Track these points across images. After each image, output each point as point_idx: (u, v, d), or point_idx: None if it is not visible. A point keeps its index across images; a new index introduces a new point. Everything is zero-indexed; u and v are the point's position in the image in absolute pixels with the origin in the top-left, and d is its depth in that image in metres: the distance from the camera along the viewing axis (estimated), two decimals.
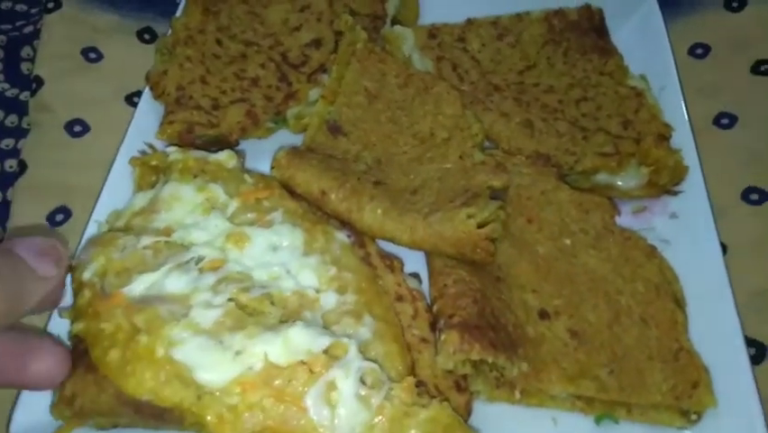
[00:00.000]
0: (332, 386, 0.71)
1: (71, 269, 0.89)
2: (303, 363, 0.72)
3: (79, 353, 0.84)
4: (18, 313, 0.77)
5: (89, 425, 0.88)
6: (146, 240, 0.88)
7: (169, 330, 0.76)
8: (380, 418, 0.71)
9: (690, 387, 0.91)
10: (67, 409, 0.83)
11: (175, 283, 0.83)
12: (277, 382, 0.71)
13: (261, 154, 1.14)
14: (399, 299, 0.96)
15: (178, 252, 0.87)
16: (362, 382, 0.72)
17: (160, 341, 0.76)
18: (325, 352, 0.74)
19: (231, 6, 1.30)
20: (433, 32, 1.31)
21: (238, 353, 0.73)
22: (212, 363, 0.73)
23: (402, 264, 1.01)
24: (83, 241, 0.99)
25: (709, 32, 1.37)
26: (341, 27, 1.27)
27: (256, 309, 0.80)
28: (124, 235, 0.90)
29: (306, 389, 0.70)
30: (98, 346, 0.79)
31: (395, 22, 1.35)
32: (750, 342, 0.98)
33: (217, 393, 0.71)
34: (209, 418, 0.71)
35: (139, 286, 0.82)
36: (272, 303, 0.82)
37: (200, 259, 0.87)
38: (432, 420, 0.71)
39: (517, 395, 0.91)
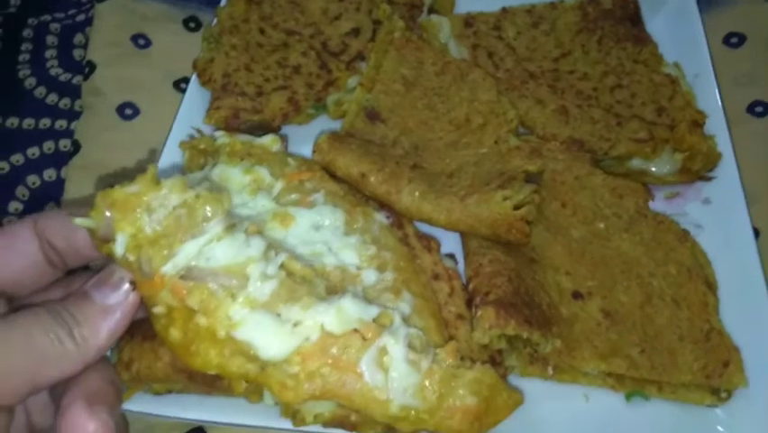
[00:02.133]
0: (383, 351, 0.74)
1: (89, 230, 0.77)
2: (356, 331, 0.75)
3: (137, 320, 0.85)
4: (98, 349, 0.72)
5: (146, 390, 0.93)
6: (175, 198, 0.77)
7: (226, 309, 0.75)
8: (430, 380, 0.74)
9: (720, 366, 0.93)
10: (125, 373, 0.89)
11: (225, 252, 0.77)
12: (333, 351, 0.74)
13: (303, 139, 1.18)
14: (436, 277, 0.99)
15: (215, 204, 0.78)
16: (410, 347, 0.76)
17: (220, 322, 0.74)
18: (374, 321, 0.77)
19: None
20: (468, 20, 1.33)
21: (296, 324, 0.75)
22: (273, 339, 0.74)
23: (439, 245, 1.04)
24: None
25: (744, 22, 1.37)
26: (379, 16, 1.30)
27: (305, 278, 0.81)
28: (145, 194, 0.76)
29: (360, 355, 0.74)
30: (157, 323, 0.78)
31: (431, 11, 1.38)
32: None
33: (279, 364, 0.74)
34: (273, 386, 0.74)
35: (183, 258, 0.75)
36: (317, 275, 0.84)
37: (242, 221, 0.83)
38: (477, 381, 0.75)
39: (550, 371, 0.94)
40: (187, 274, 0.76)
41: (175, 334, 0.76)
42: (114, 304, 0.74)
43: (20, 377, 0.67)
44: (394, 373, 0.73)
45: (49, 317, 0.69)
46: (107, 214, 0.74)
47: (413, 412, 0.74)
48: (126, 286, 0.74)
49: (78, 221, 0.75)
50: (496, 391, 0.76)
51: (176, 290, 0.75)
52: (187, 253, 0.76)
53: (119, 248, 0.74)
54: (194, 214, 0.77)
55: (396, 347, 0.74)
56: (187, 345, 0.76)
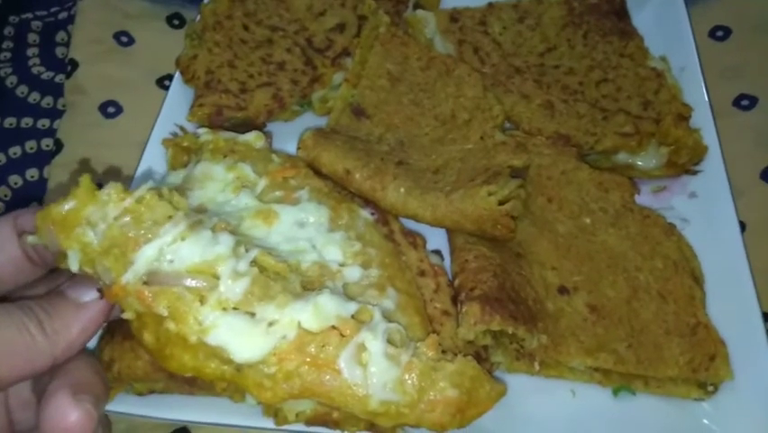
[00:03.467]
0: (362, 348, 0.73)
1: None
2: (334, 327, 0.74)
3: (117, 320, 0.84)
4: (69, 344, 0.70)
5: (128, 390, 0.93)
6: (112, 210, 0.73)
7: (195, 313, 0.71)
8: (410, 373, 0.73)
9: (707, 360, 0.93)
10: (107, 374, 0.87)
11: (191, 250, 0.73)
12: (310, 349, 0.73)
13: (287, 136, 1.17)
14: (422, 273, 0.98)
15: (160, 210, 0.75)
16: (389, 342, 0.75)
17: (190, 328, 0.71)
18: (353, 317, 0.77)
19: None
20: (454, 15, 1.33)
21: (271, 324, 0.73)
22: (247, 341, 0.72)
23: (424, 241, 1.03)
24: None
25: (730, 15, 1.37)
26: (364, 12, 1.29)
27: (279, 274, 0.79)
28: (81, 209, 0.72)
29: (338, 352, 0.73)
30: (132, 326, 0.76)
31: (417, 6, 1.37)
32: (767, 316, 0.99)
33: (256, 365, 0.73)
34: (250, 387, 0.73)
35: (143, 263, 0.71)
36: (291, 270, 0.82)
37: (209, 218, 0.80)
38: (458, 373, 0.74)
39: (537, 367, 0.94)
40: (152, 279, 0.72)
41: (148, 337, 0.74)
42: (87, 301, 0.72)
43: None
44: (373, 368, 0.72)
45: (18, 311, 0.68)
46: (49, 230, 0.71)
47: (393, 407, 0.73)
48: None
49: (30, 239, 0.73)
50: (478, 382, 0.75)
51: (141, 298, 0.71)
52: (146, 258, 0.72)
53: (73, 264, 0.72)
54: (140, 219, 0.73)
55: (374, 343, 0.73)
56: (160, 348, 0.74)
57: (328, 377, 0.72)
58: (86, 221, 0.72)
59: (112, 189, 0.73)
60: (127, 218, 0.73)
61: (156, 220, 0.74)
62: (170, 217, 0.74)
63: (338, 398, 0.72)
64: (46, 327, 0.68)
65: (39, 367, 0.68)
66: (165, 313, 0.71)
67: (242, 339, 0.72)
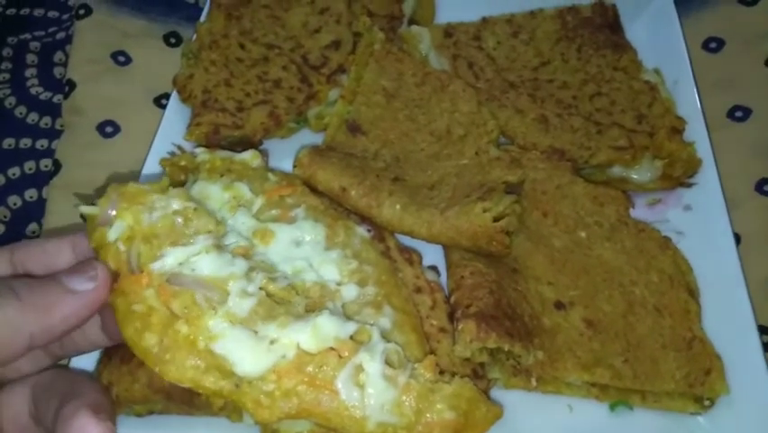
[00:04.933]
0: (359, 369, 0.74)
1: (89, 218, 0.82)
2: (332, 349, 0.75)
3: (114, 346, 0.86)
4: (48, 326, 0.70)
5: (127, 412, 0.93)
6: (176, 204, 0.83)
7: (207, 320, 0.75)
8: (408, 395, 0.74)
9: (703, 374, 0.93)
10: None
11: (210, 265, 0.79)
12: (309, 369, 0.73)
13: (284, 153, 1.18)
14: (418, 290, 0.99)
15: (206, 223, 0.83)
16: (387, 363, 0.75)
17: (201, 333, 0.74)
18: (351, 338, 0.77)
19: (253, 11, 1.34)
20: (449, 30, 1.33)
21: (272, 342, 0.75)
22: (249, 355, 0.74)
23: (420, 257, 1.04)
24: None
25: (723, 27, 1.38)
26: (359, 28, 1.30)
27: (284, 299, 0.82)
28: (154, 193, 0.83)
29: (336, 373, 0.73)
30: (130, 326, 0.76)
31: (411, 22, 1.38)
32: (763, 330, 1.00)
33: (255, 382, 0.73)
34: (248, 404, 0.74)
35: (170, 260, 0.78)
36: (296, 293, 0.84)
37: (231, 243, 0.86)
38: (456, 395, 0.75)
39: (534, 383, 0.94)
40: (172, 279, 0.77)
41: (150, 339, 0.75)
42: (78, 289, 0.72)
43: None
44: (370, 389, 0.73)
45: None
46: (113, 200, 0.80)
47: (390, 429, 0.73)
48: (99, 277, 0.74)
49: (84, 208, 0.80)
50: (474, 404, 0.75)
51: (162, 291, 0.76)
52: (176, 257, 0.78)
53: (113, 233, 0.79)
54: (189, 224, 0.82)
55: (372, 364, 0.74)
56: (161, 352, 0.75)
57: (326, 398, 0.73)
58: (151, 204, 0.82)
59: (180, 191, 0.85)
60: (180, 218, 0.82)
61: (198, 229, 0.82)
62: (209, 232, 0.83)
63: (335, 419, 0.73)
64: (22, 298, 0.66)
65: (10, 342, 0.66)
66: (180, 313, 0.75)
67: (244, 352, 0.74)
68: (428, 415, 0.74)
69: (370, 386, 0.73)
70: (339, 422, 0.73)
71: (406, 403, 0.74)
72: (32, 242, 0.75)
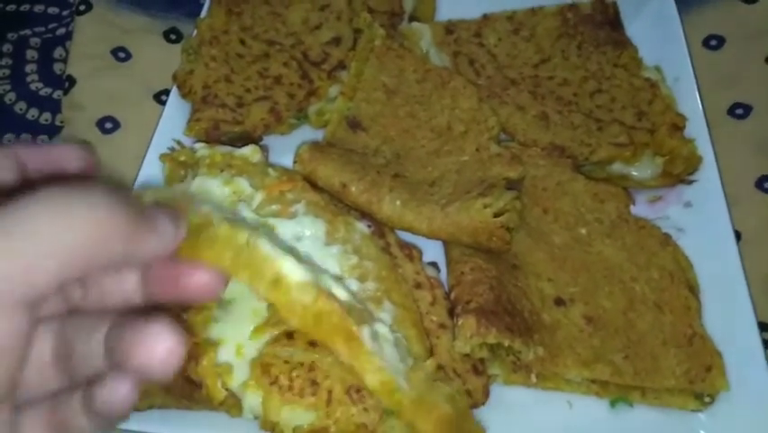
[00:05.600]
0: (376, 334, 0.72)
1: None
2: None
3: None
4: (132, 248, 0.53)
5: None
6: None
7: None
8: (417, 373, 0.74)
9: (703, 371, 0.93)
10: None
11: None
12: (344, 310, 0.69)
13: (284, 149, 1.17)
14: (418, 286, 0.99)
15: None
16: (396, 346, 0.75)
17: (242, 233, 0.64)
18: None
19: (253, 7, 1.34)
20: (449, 27, 1.33)
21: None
22: (293, 262, 0.64)
23: (421, 253, 1.04)
24: None
25: (724, 24, 1.37)
26: (359, 25, 1.30)
27: None
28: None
29: (360, 324, 0.69)
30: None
31: (412, 18, 1.38)
32: (763, 326, 0.99)
33: (295, 286, 0.64)
34: (281, 304, 0.65)
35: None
36: None
37: None
38: (452, 398, 0.75)
39: (533, 379, 0.94)
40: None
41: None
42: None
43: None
44: (387, 351, 0.72)
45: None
46: None
47: (398, 395, 0.71)
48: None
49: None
50: (466, 414, 0.76)
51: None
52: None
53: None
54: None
55: (388, 333, 0.74)
56: (196, 243, 0.62)
57: (353, 335, 0.69)
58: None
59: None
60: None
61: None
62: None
63: (355, 360, 0.69)
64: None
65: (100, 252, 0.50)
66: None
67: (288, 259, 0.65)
68: (430, 400, 0.73)
69: (387, 350, 0.73)
70: (359, 365, 0.69)
71: (414, 381, 0.73)
72: (37, 145, 0.68)
